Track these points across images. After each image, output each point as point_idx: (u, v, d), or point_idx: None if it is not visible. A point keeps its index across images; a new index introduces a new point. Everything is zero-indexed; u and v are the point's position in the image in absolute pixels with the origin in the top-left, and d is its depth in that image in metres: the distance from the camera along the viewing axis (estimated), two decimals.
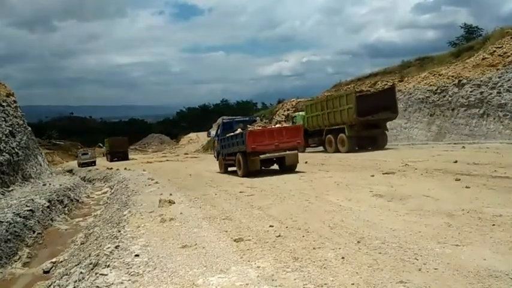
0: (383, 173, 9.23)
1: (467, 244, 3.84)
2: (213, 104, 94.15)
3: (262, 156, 11.40)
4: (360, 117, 16.53)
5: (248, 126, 12.59)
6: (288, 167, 11.75)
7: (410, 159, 11.26)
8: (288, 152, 11.57)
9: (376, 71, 28.36)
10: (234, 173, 12.72)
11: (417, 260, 3.51)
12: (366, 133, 17.07)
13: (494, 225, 4.38)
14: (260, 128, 12.30)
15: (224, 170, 13.66)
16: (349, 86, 28.67)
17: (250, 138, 11.17)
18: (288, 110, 34.36)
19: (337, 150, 17.88)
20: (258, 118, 16.14)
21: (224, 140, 13.12)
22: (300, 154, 12.24)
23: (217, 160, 14.49)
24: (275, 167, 12.31)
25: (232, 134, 12.55)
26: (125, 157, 37.87)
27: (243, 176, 11.53)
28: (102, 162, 37.16)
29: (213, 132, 16.92)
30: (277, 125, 13.39)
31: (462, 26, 28.65)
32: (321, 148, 19.86)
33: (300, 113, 22.67)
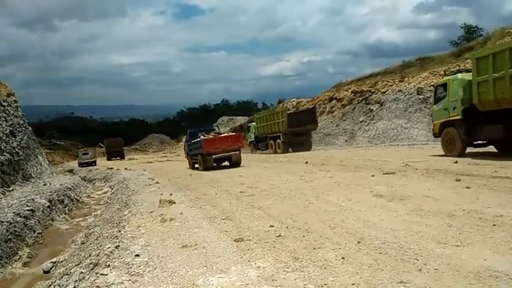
0: (383, 173, 9.23)
1: (468, 244, 3.84)
2: (213, 104, 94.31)
3: (214, 156, 15.70)
4: (290, 128, 22.84)
5: (206, 134, 16.76)
6: (234, 163, 16.09)
7: (410, 160, 11.25)
8: (232, 153, 16.00)
9: (377, 71, 28.41)
10: (234, 173, 13.16)
11: (417, 260, 3.51)
12: (295, 139, 23.23)
13: (494, 225, 4.37)
14: (212, 136, 16.44)
15: (191, 166, 17.87)
16: (350, 86, 28.71)
17: (205, 144, 15.49)
18: (288, 110, 34.40)
19: (276, 152, 23.75)
20: (215, 127, 20.64)
21: (190, 145, 17.69)
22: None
23: (187, 159, 19.23)
24: (226, 163, 16.52)
25: (194, 140, 16.88)
26: (121, 156, 42.69)
27: (203, 170, 15.62)
28: (102, 162, 37.24)
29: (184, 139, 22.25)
30: (225, 134, 18.09)
31: (462, 26, 28.66)
32: (268, 150, 25.28)
33: (253, 123, 28.63)
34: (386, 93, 24.66)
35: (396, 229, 4.51)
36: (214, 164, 16.02)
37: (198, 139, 16.25)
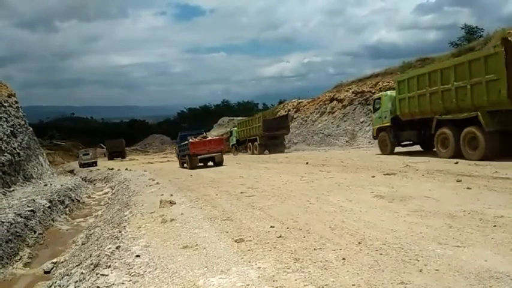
0: (384, 174, 9.23)
1: (469, 245, 3.84)
2: (214, 104, 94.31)
3: (200, 157, 17.97)
4: (265, 132, 26.08)
5: (194, 137, 18.73)
6: (217, 163, 18.39)
7: (411, 160, 11.25)
8: (215, 154, 18.42)
9: (378, 71, 28.38)
10: (234, 174, 13.24)
11: (418, 261, 3.51)
12: (270, 142, 26.42)
13: (495, 226, 4.37)
14: (198, 139, 18.54)
15: (181, 165, 20.21)
16: (350, 87, 28.72)
17: (192, 146, 17.81)
18: (289, 110, 34.52)
19: (253, 153, 27.01)
20: (204, 132, 21.98)
21: (180, 147, 20.25)
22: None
23: (177, 159, 21.82)
24: (212, 163, 18.57)
25: (183, 143, 19.19)
26: (122, 156, 44.49)
27: (190, 169, 17.53)
28: (103, 162, 37.25)
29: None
30: (209, 138, 20.36)
31: (463, 27, 28.62)
32: (247, 152, 28.15)
33: (235, 128, 32.28)
34: None
35: (397, 230, 4.51)
36: (201, 164, 18.32)
37: (187, 142, 18.39)
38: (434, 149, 12.64)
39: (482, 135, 10.37)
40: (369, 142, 23.96)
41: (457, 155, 11.14)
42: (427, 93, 12.27)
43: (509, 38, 11.33)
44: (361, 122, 25.80)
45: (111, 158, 44.51)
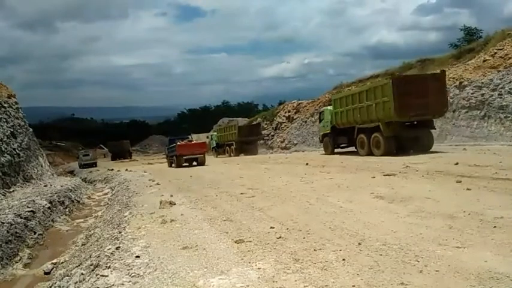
0: (384, 175, 9.22)
1: (469, 246, 3.83)
2: (214, 105, 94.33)
3: (185, 157, 21.38)
4: (240, 138, 30.08)
5: (181, 141, 22.52)
6: (200, 163, 21.49)
7: (411, 161, 11.24)
8: (198, 155, 21.70)
9: (378, 72, 28.37)
10: (234, 174, 13.29)
11: (418, 261, 3.51)
12: (245, 146, 30.27)
13: (495, 227, 4.37)
14: (184, 142, 22.26)
15: (169, 165, 23.64)
16: (350, 88, 28.71)
17: (178, 148, 21.41)
18: (289, 111, 34.73)
19: (230, 156, 30.35)
20: (190, 137, 26.01)
21: (169, 149, 24.03)
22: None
23: (167, 159, 25.43)
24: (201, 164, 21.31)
25: (171, 145, 22.92)
26: (128, 156, 47.12)
27: (176, 167, 20.98)
28: (103, 163, 37.26)
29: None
30: (194, 141, 23.93)
31: (462, 28, 28.64)
32: (225, 154, 31.49)
33: (215, 133, 36.29)
34: None
35: (397, 231, 4.51)
36: (186, 164, 21.49)
37: (174, 144, 21.94)
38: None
39: (382, 139, 14.62)
40: None
41: (369, 153, 15.30)
42: (351, 109, 16.60)
43: (396, 74, 17.92)
44: None
45: (114, 158, 46.29)
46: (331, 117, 18.38)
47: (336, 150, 18.83)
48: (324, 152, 19.63)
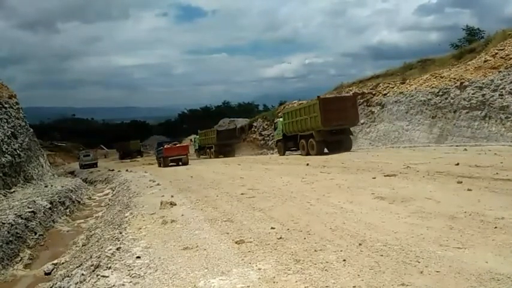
0: (384, 175, 9.21)
1: (469, 247, 3.83)
2: (214, 105, 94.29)
3: (170, 158, 24.72)
4: (219, 141, 33.23)
5: (167, 144, 26.36)
6: (183, 163, 24.56)
7: (412, 162, 11.23)
8: (182, 156, 25.11)
9: (378, 73, 28.30)
10: (235, 175, 13.28)
11: (419, 262, 3.50)
12: (223, 148, 33.29)
13: (496, 227, 4.36)
14: (170, 146, 25.87)
15: (158, 165, 26.59)
16: (351, 88, 28.69)
17: (165, 150, 25.01)
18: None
19: (210, 157, 33.71)
20: (176, 141, 30.27)
21: (158, 151, 27.61)
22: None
23: (156, 160, 28.76)
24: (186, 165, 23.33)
25: (159, 148, 26.57)
26: (133, 156, 48.34)
27: (163, 167, 24.12)
28: (103, 163, 37.29)
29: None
30: (178, 144, 27.72)
31: (464, 28, 28.61)
32: (206, 156, 35.00)
33: (197, 136, 39.35)
34: (388, 95, 24.60)
35: (398, 231, 4.51)
36: (173, 164, 24.56)
37: (162, 147, 25.70)
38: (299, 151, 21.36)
39: (315, 142, 19.45)
40: (369, 144, 23.99)
41: (308, 153, 19.84)
42: (295, 121, 21.50)
43: (321, 96, 21.13)
44: (362, 124, 25.77)
45: (122, 158, 48.40)
46: (282, 127, 23.07)
47: (287, 152, 23.27)
48: (278, 154, 24.42)
